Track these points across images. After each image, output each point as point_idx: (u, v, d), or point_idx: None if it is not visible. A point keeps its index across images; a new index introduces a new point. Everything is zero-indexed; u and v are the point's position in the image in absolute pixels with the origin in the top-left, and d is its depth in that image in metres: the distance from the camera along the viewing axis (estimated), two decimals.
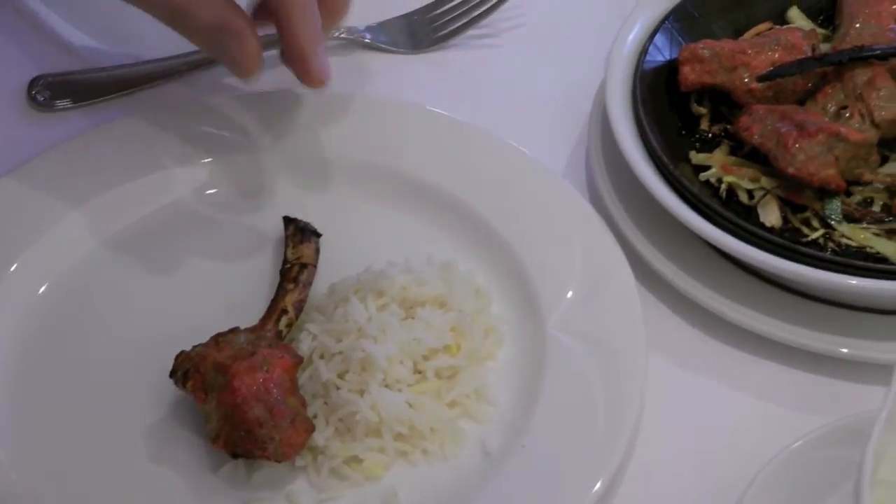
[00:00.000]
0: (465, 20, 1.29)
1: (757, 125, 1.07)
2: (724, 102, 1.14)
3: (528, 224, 1.08)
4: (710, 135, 1.13)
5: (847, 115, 1.08)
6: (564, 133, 1.19)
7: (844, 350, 1.01)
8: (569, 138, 1.19)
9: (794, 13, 1.21)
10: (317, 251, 1.07)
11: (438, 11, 1.29)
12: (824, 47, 1.16)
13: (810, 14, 1.22)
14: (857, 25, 1.15)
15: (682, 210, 1.03)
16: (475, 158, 1.12)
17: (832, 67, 1.11)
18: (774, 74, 1.10)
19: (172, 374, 0.96)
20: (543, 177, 1.12)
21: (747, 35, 1.19)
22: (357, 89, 1.22)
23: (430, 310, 1.02)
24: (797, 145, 1.04)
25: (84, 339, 1.04)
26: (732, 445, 0.97)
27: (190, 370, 0.95)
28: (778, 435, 0.91)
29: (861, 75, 1.09)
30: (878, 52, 1.11)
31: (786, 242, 1.00)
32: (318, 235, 1.08)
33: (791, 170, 1.04)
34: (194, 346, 0.97)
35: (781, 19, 1.22)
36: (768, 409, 1.00)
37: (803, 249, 1.01)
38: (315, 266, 1.06)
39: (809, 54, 1.12)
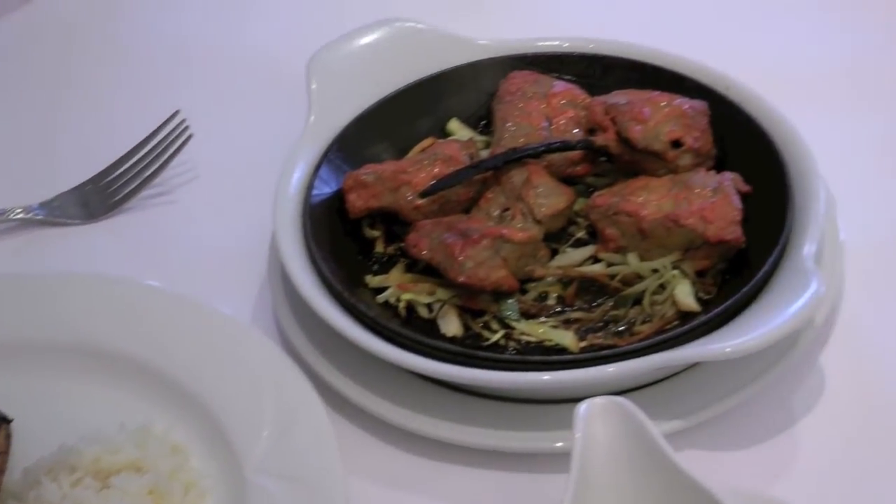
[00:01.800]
0: (137, 182, 1.31)
1: (424, 240, 1.10)
2: (396, 222, 1.17)
3: (217, 374, 1.09)
4: (385, 256, 1.15)
5: (510, 216, 1.12)
6: (247, 279, 1.21)
7: (544, 445, 1.04)
8: (252, 283, 1.20)
9: (454, 125, 1.26)
10: (8, 437, 1.06)
11: (110, 178, 1.30)
12: (486, 154, 1.19)
13: (470, 123, 1.27)
14: (511, 128, 1.19)
15: (361, 335, 1.05)
16: (158, 318, 1.13)
17: (491, 172, 1.15)
18: (435, 189, 1.13)
19: None
20: (228, 326, 1.13)
21: (412, 153, 1.23)
22: (34, 266, 1.21)
23: (126, 476, 1.02)
24: (464, 253, 1.07)
25: None
26: None
27: None
28: None
29: (518, 176, 1.14)
30: (531, 151, 1.15)
31: (462, 350, 1.03)
32: (9, 421, 1.07)
33: (462, 278, 1.07)
34: None
35: (443, 132, 1.26)
36: None
37: (481, 354, 1.04)
38: (7, 453, 1.05)
39: (468, 163, 1.15)
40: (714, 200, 1.08)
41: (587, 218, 1.14)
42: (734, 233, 1.07)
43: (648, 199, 1.11)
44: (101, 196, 1.30)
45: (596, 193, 1.14)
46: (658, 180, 1.13)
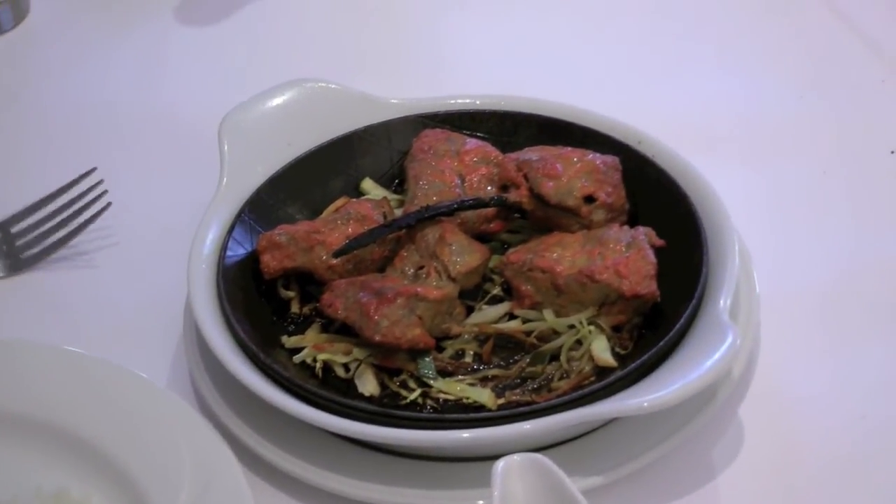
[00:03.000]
0: (51, 240, 1.29)
1: (339, 300, 1.10)
2: (311, 282, 1.17)
3: (134, 437, 1.08)
4: (301, 317, 1.14)
5: (424, 274, 1.12)
6: (164, 341, 1.21)
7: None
8: (169, 345, 1.19)
9: (368, 184, 1.26)
10: None
11: (20, 229, 1.29)
12: (399, 212, 1.20)
13: (383, 182, 1.27)
14: (424, 186, 1.20)
15: (277, 396, 1.05)
16: (74, 381, 1.12)
17: (405, 231, 1.15)
18: (348, 248, 1.13)
19: None
20: (144, 389, 1.12)
21: (325, 213, 1.23)
22: None
23: None
24: (379, 312, 1.07)
25: None
26: None
27: None
28: None
29: (432, 234, 1.14)
30: (444, 209, 1.15)
31: (379, 409, 1.03)
32: None
33: (378, 337, 1.07)
34: None
35: (357, 191, 1.26)
36: None
37: (398, 413, 1.03)
38: None
39: (381, 222, 1.15)
40: (628, 255, 1.09)
41: (502, 275, 1.14)
42: (648, 287, 1.08)
43: (563, 254, 1.11)
44: (10, 250, 1.28)
45: (510, 250, 1.14)
46: (572, 236, 1.13)
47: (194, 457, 1.06)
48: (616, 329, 1.10)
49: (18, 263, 1.29)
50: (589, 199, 1.15)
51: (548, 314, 1.11)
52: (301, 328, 1.15)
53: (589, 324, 1.10)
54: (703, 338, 1.05)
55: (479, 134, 1.26)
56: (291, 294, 1.17)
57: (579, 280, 1.09)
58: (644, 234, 1.12)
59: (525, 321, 1.12)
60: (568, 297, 1.10)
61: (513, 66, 1.51)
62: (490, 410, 1.05)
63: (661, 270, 1.11)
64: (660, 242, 1.12)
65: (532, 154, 1.18)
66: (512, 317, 1.13)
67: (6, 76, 1.57)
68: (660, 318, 1.10)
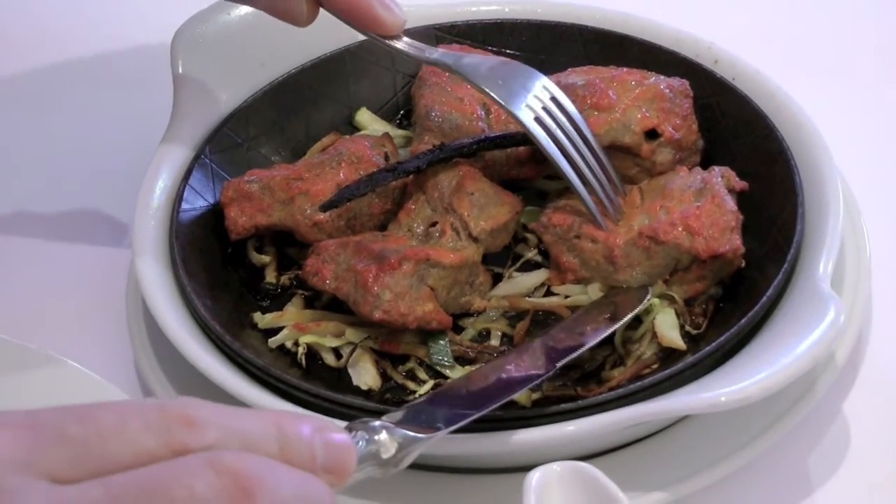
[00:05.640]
0: None
1: (328, 266, 1.10)
2: (291, 243, 1.16)
3: None
4: (278, 288, 1.14)
5: (438, 232, 1.11)
6: (101, 321, 1.21)
7: None
8: (108, 326, 1.20)
9: (364, 116, 1.27)
10: None
11: None
12: (405, 153, 1.19)
13: (384, 114, 1.27)
14: (437, 118, 1.19)
15: (248, 390, 1.05)
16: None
17: (413, 177, 1.14)
18: (340, 199, 1.13)
19: None
20: (79, 381, 1.12)
21: (309, 154, 1.23)
22: None
23: None
24: (379, 282, 1.06)
25: None
26: None
27: None
28: None
29: (447, 180, 1.14)
30: (464, 147, 1.15)
31: (379, 407, 1.03)
32: None
33: (378, 314, 1.06)
34: None
35: (350, 126, 1.26)
36: None
37: None
38: None
39: (382, 165, 1.14)
40: (700, 205, 1.08)
41: (538, 235, 1.13)
42: (730, 242, 1.07)
43: (619, 220, 1.10)
44: None
45: (549, 206, 1.13)
46: (629, 189, 1.12)
47: None
48: (687, 302, 1.09)
49: None
50: (651, 134, 1.14)
51: (593, 290, 1.10)
52: (279, 303, 1.15)
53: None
54: (796, 313, 1.04)
55: (508, 51, 1.26)
56: (266, 259, 1.18)
57: (641, 245, 1.08)
58: (720, 177, 1.11)
59: (568, 296, 1.11)
60: (629, 269, 1.09)
61: None
62: (523, 408, 1.05)
63: (743, 225, 1.10)
64: (741, 185, 1.11)
65: (577, 77, 1.17)
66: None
67: None
68: (741, 289, 1.10)
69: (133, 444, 0.73)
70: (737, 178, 1.11)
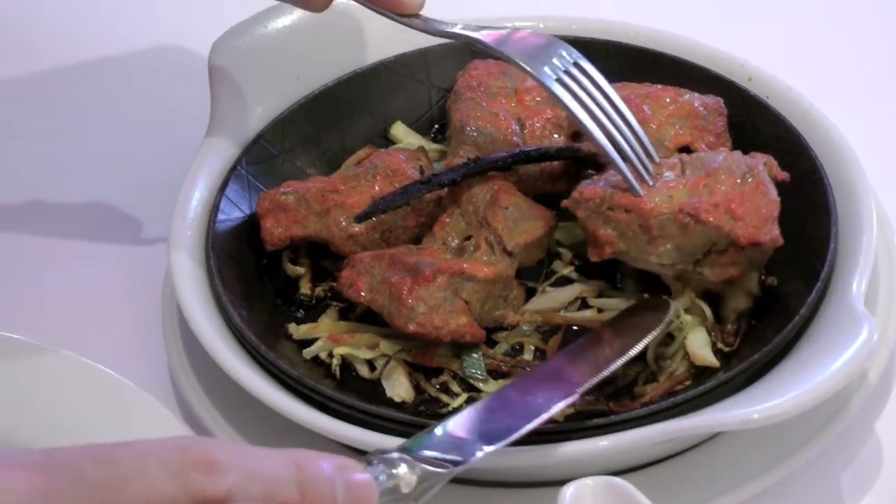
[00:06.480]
0: None
1: (363, 278, 1.10)
2: (326, 255, 1.16)
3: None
4: (313, 299, 1.14)
5: (472, 246, 1.11)
6: (137, 330, 1.22)
7: None
8: (143, 335, 1.21)
9: (399, 130, 1.27)
10: None
11: None
12: (440, 166, 1.19)
13: (419, 127, 1.27)
14: (472, 133, 1.19)
15: (283, 401, 1.05)
16: (30, 380, 1.13)
17: (447, 190, 1.14)
18: (374, 210, 1.13)
19: None
20: (112, 389, 1.12)
21: (345, 166, 1.23)
22: None
23: None
24: (414, 295, 1.06)
25: None
26: None
27: None
28: None
29: (481, 194, 1.14)
30: (499, 162, 1.15)
31: (412, 419, 1.03)
32: None
33: (412, 326, 1.07)
34: None
35: (385, 139, 1.27)
36: None
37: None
38: None
39: (417, 178, 1.15)
40: (743, 190, 1.07)
41: (571, 247, 1.15)
42: (770, 233, 1.06)
43: (654, 185, 1.10)
44: None
45: (583, 183, 1.12)
46: (668, 159, 1.11)
47: None
48: (718, 319, 1.09)
49: None
50: (685, 151, 1.14)
51: (620, 302, 1.09)
52: (313, 314, 1.15)
53: (685, 313, 1.09)
54: (829, 332, 1.04)
55: None
56: (301, 270, 1.18)
57: (679, 220, 1.07)
58: (763, 164, 1.10)
59: (601, 310, 1.11)
60: (662, 241, 1.08)
61: None
62: (556, 422, 1.05)
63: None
64: (783, 175, 1.10)
65: None
66: (584, 303, 1.13)
67: None
68: (775, 306, 1.09)
69: (151, 489, 0.73)
70: (779, 168, 1.10)
